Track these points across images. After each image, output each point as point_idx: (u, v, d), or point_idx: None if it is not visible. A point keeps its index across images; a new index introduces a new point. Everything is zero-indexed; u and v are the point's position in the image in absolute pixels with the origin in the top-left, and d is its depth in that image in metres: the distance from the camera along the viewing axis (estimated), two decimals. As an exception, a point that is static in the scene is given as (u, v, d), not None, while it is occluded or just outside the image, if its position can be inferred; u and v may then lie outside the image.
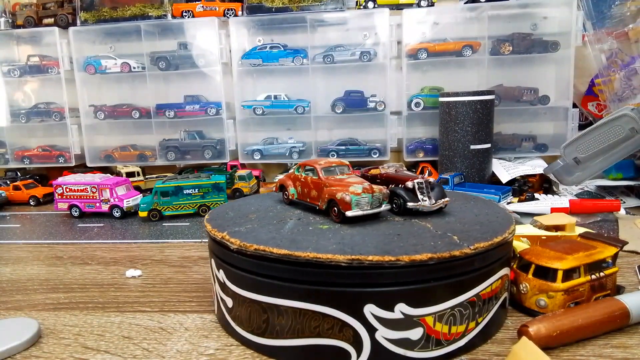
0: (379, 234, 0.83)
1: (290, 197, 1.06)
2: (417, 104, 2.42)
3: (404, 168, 1.06)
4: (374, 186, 0.93)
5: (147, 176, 2.57)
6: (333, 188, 0.93)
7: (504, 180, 2.12)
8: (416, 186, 0.95)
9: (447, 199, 0.96)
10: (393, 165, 1.09)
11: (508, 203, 1.84)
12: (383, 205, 0.93)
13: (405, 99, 2.39)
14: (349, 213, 0.91)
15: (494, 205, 1.08)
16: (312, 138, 2.50)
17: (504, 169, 2.21)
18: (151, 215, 2.01)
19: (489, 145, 2.13)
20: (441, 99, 2.16)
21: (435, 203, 0.94)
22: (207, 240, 1.09)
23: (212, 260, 0.93)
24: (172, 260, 1.46)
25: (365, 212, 0.91)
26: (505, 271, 0.87)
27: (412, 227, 0.87)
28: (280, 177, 2.36)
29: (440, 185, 0.96)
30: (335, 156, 2.35)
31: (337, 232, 0.86)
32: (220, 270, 0.89)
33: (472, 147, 2.12)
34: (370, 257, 0.74)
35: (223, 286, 0.89)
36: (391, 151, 2.47)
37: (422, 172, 2.34)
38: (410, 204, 0.92)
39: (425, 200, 0.95)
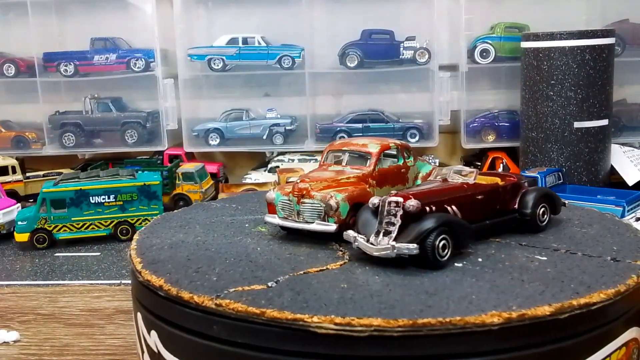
0: (254, 254, 0.83)
1: None
2: (485, 53, 2.08)
3: (464, 174, 0.87)
4: (324, 191, 0.85)
5: (28, 174, 2.28)
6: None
7: (630, 181, 1.88)
8: (380, 208, 0.79)
9: (414, 246, 0.74)
10: (450, 170, 0.88)
11: (638, 219, 1.62)
12: (317, 224, 0.84)
13: (464, 45, 2.11)
14: (267, 218, 0.90)
15: (614, 222, 0.93)
16: (307, 110, 2.20)
17: (632, 162, 1.93)
18: (36, 239, 1.73)
19: (605, 122, 1.88)
20: (525, 45, 1.91)
21: (381, 247, 0.75)
22: (129, 282, 0.90)
23: (139, 314, 0.82)
24: (72, 315, 1.29)
25: (284, 224, 0.88)
26: (633, 334, 0.75)
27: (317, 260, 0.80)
28: (253, 173, 2.29)
29: (442, 219, 0.76)
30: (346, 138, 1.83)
31: (246, 237, 0.91)
32: (152, 333, 0.77)
33: (576, 124, 1.84)
34: (155, 281, 0.74)
35: (157, 358, 0.77)
36: (441, 132, 2.18)
37: (492, 166, 2.12)
38: (346, 234, 0.80)
39: (377, 236, 0.76)
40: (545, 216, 0.90)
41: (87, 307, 1.34)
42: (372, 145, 0.93)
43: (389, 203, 0.79)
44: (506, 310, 0.64)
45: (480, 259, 0.80)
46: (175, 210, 1.14)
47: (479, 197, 0.84)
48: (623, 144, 2.03)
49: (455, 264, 0.78)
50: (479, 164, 2.18)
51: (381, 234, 0.78)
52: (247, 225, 0.99)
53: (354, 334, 0.63)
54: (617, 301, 0.72)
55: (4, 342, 1.17)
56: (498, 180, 0.90)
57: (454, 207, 0.81)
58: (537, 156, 1.90)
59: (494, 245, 0.84)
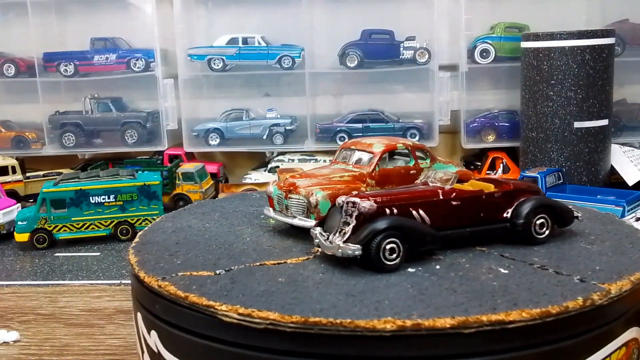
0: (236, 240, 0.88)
1: None
2: (485, 53, 2.09)
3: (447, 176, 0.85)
4: (311, 188, 0.85)
5: (28, 174, 2.27)
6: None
7: (630, 181, 1.88)
8: (343, 207, 0.78)
9: (356, 247, 0.73)
10: (438, 173, 0.85)
11: (638, 219, 1.61)
12: (299, 219, 0.85)
13: (464, 45, 2.11)
14: (264, 210, 0.93)
15: (633, 241, 0.88)
16: (307, 110, 2.20)
17: (631, 162, 1.94)
18: (36, 239, 1.72)
19: (605, 122, 1.88)
20: (525, 45, 1.92)
21: (333, 246, 0.75)
22: (129, 282, 0.89)
23: (139, 314, 0.82)
24: (72, 315, 1.28)
25: (275, 217, 0.91)
26: (633, 334, 0.75)
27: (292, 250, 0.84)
28: (253, 173, 2.30)
29: (392, 222, 0.75)
30: (346, 139, 2.07)
31: (250, 226, 0.95)
32: (152, 333, 0.77)
33: (576, 124, 1.84)
34: (131, 259, 0.80)
35: (157, 358, 0.77)
36: (441, 132, 2.18)
37: (492, 166, 2.10)
38: (312, 231, 0.82)
39: (335, 234, 0.77)
40: (545, 229, 0.83)
41: (87, 307, 1.33)
42: (377, 145, 0.91)
43: (347, 203, 0.78)
44: (404, 318, 0.63)
45: (438, 267, 0.77)
46: (217, 198, 1.18)
47: (455, 202, 0.81)
48: (623, 144, 2.03)
49: (409, 269, 0.76)
50: (479, 164, 2.17)
51: (337, 233, 0.78)
52: (261, 216, 1.00)
53: (253, 325, 0.65)
54: (616, 301, 0.70)
55: (4, 342, 1.16)
56: (491, 186, 0.86)
57: (420, 211, 0.79)
58: (537, 156, 1.89)
59: (471, 254, 0.81)
